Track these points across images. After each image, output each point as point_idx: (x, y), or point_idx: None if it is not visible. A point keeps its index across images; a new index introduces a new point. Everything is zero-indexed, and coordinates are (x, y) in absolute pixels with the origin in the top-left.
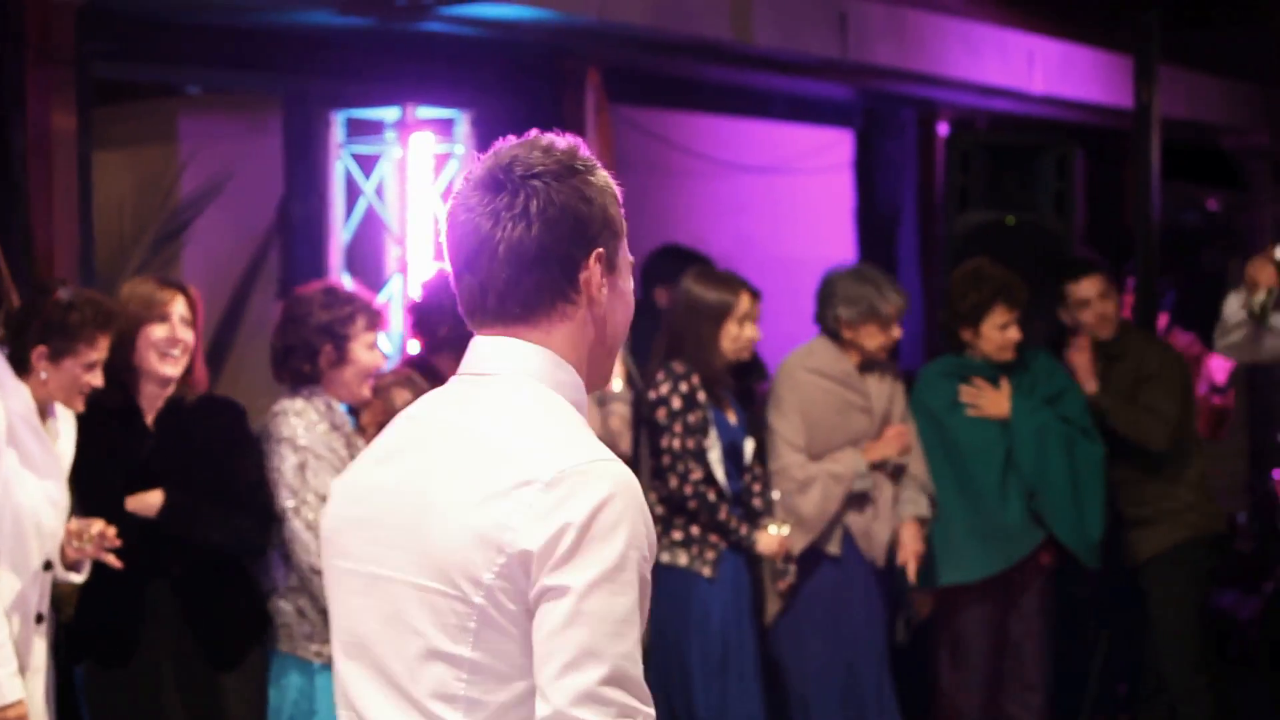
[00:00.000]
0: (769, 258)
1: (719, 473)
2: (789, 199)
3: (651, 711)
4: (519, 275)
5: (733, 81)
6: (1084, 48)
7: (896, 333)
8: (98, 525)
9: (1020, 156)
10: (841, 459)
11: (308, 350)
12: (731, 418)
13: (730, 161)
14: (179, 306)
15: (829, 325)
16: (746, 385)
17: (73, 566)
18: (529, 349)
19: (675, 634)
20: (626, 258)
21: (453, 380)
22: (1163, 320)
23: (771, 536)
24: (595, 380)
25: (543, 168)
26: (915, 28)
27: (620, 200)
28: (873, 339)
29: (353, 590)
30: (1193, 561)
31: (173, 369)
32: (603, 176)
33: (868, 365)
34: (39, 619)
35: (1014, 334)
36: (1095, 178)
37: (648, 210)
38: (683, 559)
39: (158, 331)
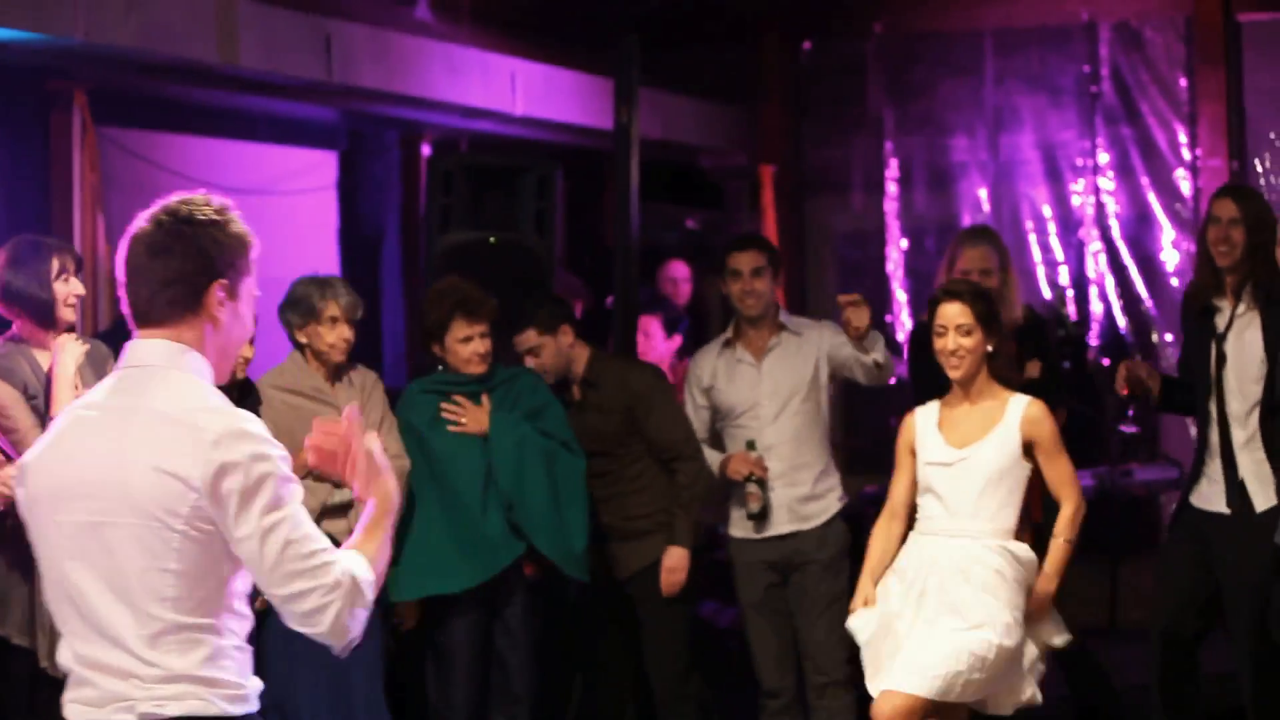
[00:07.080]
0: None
1: None
2: (274, 221)
3: None
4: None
5: (220, 104)
6: (566, 70)
7: (345, 332)
8: None
9: (502, 177)
10: None
11: None
12: None
13: (216, 183)
14: None
15: (290, 335)
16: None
17: None
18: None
19: None
20: (250, 290)
21: (117, 372)
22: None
23: None
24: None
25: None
26: (399, 50)
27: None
28: (319, 339)
29: (66, 538)
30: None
31: None
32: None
33: (339, 374)
34: None
35: (478, 346)
36: (577, 198)
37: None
38: None
39: None
